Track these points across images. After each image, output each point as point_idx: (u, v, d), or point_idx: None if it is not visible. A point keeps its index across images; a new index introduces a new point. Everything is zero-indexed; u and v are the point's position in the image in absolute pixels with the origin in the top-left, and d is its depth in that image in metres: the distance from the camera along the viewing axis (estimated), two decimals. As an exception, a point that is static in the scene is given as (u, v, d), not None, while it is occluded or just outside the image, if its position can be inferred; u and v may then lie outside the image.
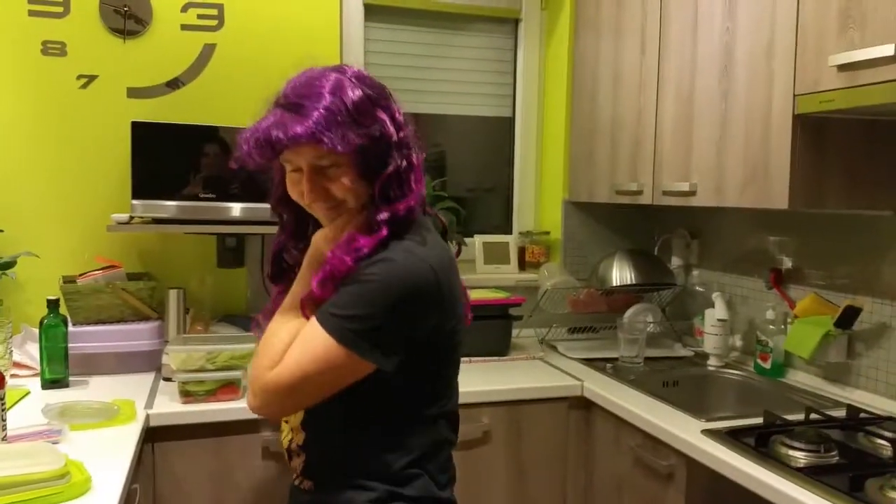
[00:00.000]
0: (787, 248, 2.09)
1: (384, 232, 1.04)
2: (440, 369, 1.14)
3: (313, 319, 1.03)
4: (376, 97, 1.06)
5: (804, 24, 1.59)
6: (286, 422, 1.20)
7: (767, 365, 2.05)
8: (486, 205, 2.84)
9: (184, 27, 2.24)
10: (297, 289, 1.10)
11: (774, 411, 1.62)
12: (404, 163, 1.07)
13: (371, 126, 1.04)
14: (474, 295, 2.22)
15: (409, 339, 1.04)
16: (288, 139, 0.99)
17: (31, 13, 2.12)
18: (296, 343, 1.03)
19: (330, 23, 2.39)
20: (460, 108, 2.72)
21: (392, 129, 1.06)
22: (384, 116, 1.06)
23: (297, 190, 1.08)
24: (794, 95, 1.61)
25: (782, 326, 2.04)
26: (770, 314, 2.05)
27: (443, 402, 1.15)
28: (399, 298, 1.01)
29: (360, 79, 1.07)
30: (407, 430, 1.10)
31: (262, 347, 1.07)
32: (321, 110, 1.00)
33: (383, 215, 1.05)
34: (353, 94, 1.03)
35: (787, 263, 2.08)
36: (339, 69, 1.08)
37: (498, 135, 2.79)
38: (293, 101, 1.03)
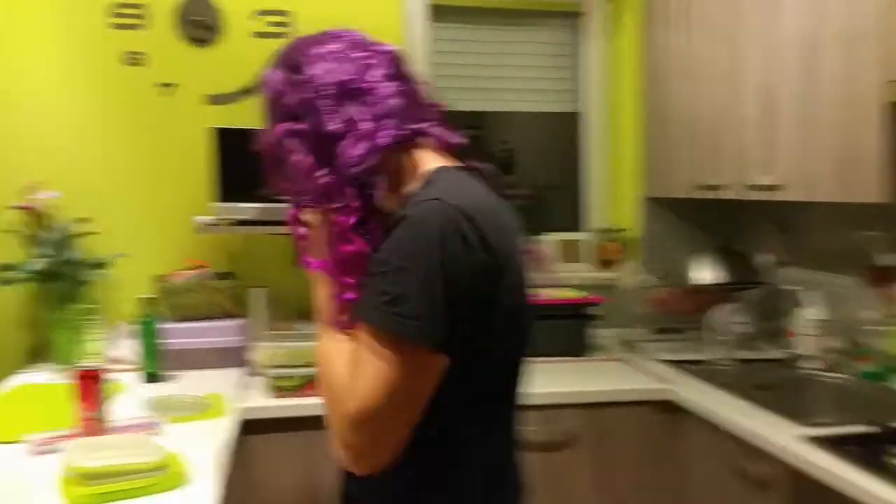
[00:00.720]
0: (886, 243, 1.96)
1: (354, 202, 0.92)
2: (493, 341, 0.92)
3: (361, 329, 0.87)
4: (292, 65, 1.00)
5: (901, 6, 1.49)
6: None
7: (870, 368, 1.93)
8: (552, 202, 2.79)
9: (256, 35, 2.31)
10: (319, 310, 0.97)
11: (879, 418, 1.52)
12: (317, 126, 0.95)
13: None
14: (548, 294, 2.19)
15: (454, 303, 0.84)
16: None
17: (113, 26, 2.23)
18: (355, 361, 0.87)
19: (396, 24, 2.40)
20: (522, 105, 2.69)
21: (286, 90, 0.98)
22: (284, 77, 0.99)
23: None
24: (888, 82, 1.51)
25: (886, 327, 1.91)
26: (871, 314, 1.93)
27: (497, 389, 0.97)
28: (432, 249, 0.83)
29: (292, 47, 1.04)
30: (452, 420, 0.93)
31: (326, 392, 0.91)
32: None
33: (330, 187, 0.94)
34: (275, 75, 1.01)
35: (888, 260, 1.95)
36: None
37: (561, 131, 2.74)
38: None
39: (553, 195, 2.79)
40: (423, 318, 0.83)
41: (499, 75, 2.65)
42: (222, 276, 2.19)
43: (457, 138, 1.03)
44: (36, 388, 1.87)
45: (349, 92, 0.95)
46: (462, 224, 0.85)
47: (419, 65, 2.41)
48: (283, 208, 2.27)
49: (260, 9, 2.32)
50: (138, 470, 1.24)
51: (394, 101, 0.96)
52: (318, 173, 0.94)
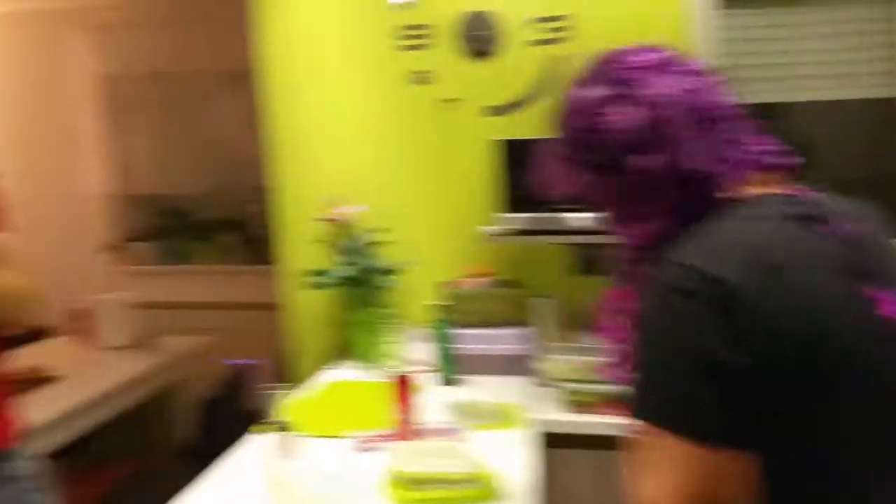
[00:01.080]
0: None
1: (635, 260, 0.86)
2: (796, 430, 0.71)
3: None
4: (614, 79, 0.84)
5: None
6: None
7: None
8: (872, 203, 2.38)
9: (534, 42, 2.28)
10: None
11: None
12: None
13: None
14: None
15: (712, 383, 0.69)
16: None
17: (401, 48, 2.37)
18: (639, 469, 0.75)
19: (681, 16, 2.22)
20: (825, 94, 2.33)
21: (610, 110, 0.83)
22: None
23: None
24: None
25: None
26: None
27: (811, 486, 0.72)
28: (665, 325, 0.72)
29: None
30: None
31: None
32: None
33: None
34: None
35: None
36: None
37: (875, 119, 2.33)
38: None
39: (870, 195, 2.39)
40: (676, 405, 0.70)
41: (796, 61, 2.34)
42: (506, 284, 2.21)
43: (781, 159, 0.86)
44: (345, 385, 2.04)
45: (697, 114, 0.80)
46: (697, 287, 0.70)
47: (713, 61, 2.21)
48: (564, 218, 2.09)
49: (537, 16, 2.30)
50: (458, 479, 1.26)
51: (740, 125, 0.83)
52: (661, 223, 0.82)
